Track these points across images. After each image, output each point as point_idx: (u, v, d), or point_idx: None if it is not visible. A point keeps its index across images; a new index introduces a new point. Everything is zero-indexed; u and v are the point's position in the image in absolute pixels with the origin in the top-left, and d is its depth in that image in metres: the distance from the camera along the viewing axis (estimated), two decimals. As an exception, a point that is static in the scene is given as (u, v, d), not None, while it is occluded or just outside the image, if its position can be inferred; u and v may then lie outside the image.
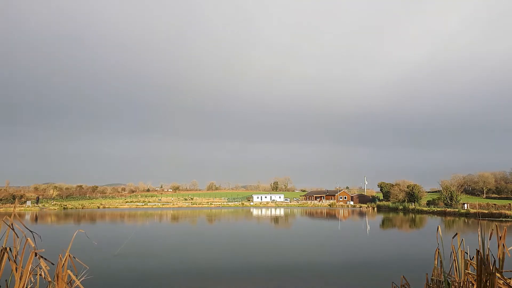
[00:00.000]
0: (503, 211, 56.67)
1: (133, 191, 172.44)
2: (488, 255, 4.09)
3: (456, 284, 4.59)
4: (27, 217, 61.52)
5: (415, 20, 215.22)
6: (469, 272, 4.40)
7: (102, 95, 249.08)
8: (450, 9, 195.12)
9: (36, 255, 3.98)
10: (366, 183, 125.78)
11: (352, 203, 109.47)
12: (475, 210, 61.23)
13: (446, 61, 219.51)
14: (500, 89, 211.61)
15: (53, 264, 4.09)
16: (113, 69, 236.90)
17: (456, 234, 4.97)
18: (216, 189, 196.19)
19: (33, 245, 4.00)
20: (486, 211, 58.37)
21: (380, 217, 64.43)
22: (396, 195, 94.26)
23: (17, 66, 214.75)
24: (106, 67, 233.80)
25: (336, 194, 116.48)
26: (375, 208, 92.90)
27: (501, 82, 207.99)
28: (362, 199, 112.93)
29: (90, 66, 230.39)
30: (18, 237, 4.00)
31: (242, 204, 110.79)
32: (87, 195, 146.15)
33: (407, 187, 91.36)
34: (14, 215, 4.13)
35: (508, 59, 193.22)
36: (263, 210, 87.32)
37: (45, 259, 4.11)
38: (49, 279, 4.05)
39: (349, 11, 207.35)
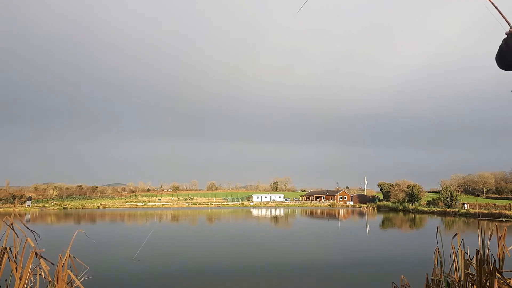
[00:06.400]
0: (503, 211, 56.68)
1: (133, 191, 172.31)
2: (488, 255, 4.09)
3: (456, 284, 4.59)
4: (27, 216, 61.51)
5: (417, 23, 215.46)
6: (469, 272, 4.40)
7: (103, 97, 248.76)
8: (450, 12, 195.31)
9: (36, 255, 3.98)
10: (366, 183, 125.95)
11: (352, 203, 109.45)
12: (475, 210, 61.24)
13: (447, 63, 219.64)
14: (500, 90, 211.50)
15: (53, 264, 4.09)
16: (114, 72, 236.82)
17: (456, 234, 4.97)
18: (216, 189, 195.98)
19: (33, 245, 4.00)
20: (486, 211, 58.38)
21: (380, 217, 64.44)
22: (396, 195, 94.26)
23: (18, 67, 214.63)
24: (107, 70, 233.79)
25: (336, 194, 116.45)
26: (375, 208, 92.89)
27: (501, 83, 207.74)
28: (362, 199, 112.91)
29: (91, 68, 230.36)
30: (18, 237, 4.00)
31: (242, 204, 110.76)
32: (87, 195, 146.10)
33: (407, 187, 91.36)
34: (14, 215, 4.13)
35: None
36: (263, 210, 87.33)
37: (45, 259, 4.11)
38: (49, 279, 4.05)
39: (353, 12, 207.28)
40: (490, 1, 2.70)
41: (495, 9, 2.68)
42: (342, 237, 34.33)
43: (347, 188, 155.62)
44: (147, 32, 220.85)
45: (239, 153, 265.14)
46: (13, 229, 3.97)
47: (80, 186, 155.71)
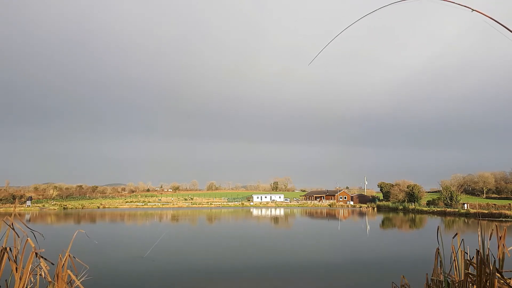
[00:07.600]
0: (503, 211, 56.67)
1: (133, 191, 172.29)
2: (488, 255, 4.09)
3: (456, 284, 4.59)
4: (27, 216, 61.50)
5: (418, 24, 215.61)
6: (469, 272, 4.40)
7: (103, 97, 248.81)
8: (451, 13, 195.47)
9: (36, 255, 3.98)
10: (366, 183, 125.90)
11: (352, 203, 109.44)
12: (475, 210, 61.24)
13: (447, 64, 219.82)
14: (500, 91, 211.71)
15: (53, 264, 4.10)
16: (114, 72, 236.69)
17: (456, 234, 4.97)
18: (216, 189, 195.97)
19: (33, 245, 4.00)
20: (486, 211, 58.38)
21: (380, 217, 64.43)
22: (396, 195, 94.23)
23: (18, 68, 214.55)
24: (107, 70, 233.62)
25: (336, 194, 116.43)
26: (375, 208, 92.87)
27: (501, 84, 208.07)
28: (362, 199, 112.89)
29: (91, 68, 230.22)
30: (18, 237, 4.00)
31: (242, 204, 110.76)
32: (87, 195, 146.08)
33: (407, 187, 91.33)
34: (14, 215, 4.14)
35: (506, 62, 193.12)
36: (263, 210, 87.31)
37: (45, 259, 4.11)
38: (49, 279, 4.06)
39: (354, 13, 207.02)
40: (494, 19, 2.69)
41: (499, 25, 2.66)
42: (342, 237, 34.32)
43: (347, 188, 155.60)
44: (147, 32, 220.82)
45: (239, 153, 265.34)
46: (13, 229, 3.97)
47: (80, 186, 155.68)
